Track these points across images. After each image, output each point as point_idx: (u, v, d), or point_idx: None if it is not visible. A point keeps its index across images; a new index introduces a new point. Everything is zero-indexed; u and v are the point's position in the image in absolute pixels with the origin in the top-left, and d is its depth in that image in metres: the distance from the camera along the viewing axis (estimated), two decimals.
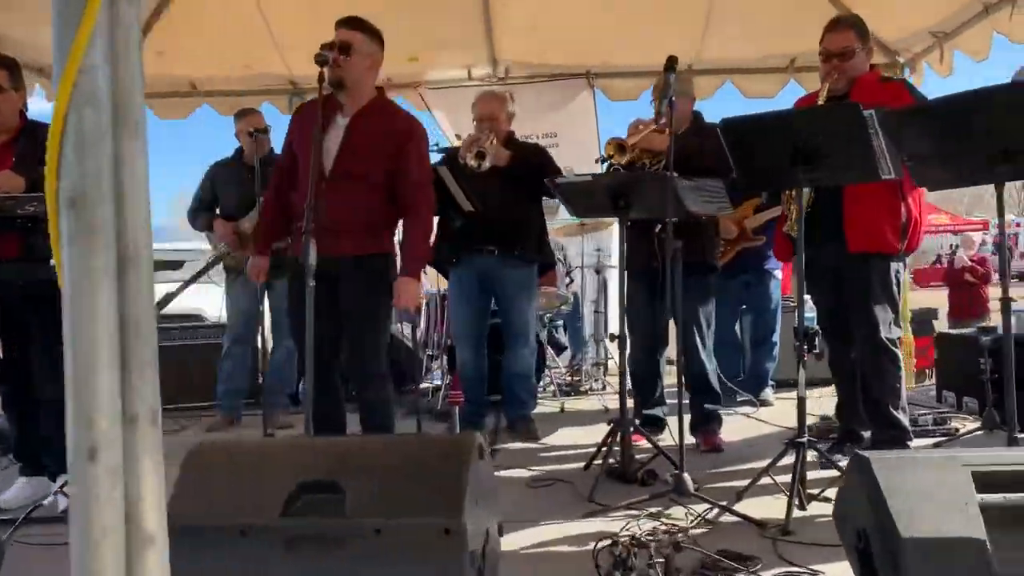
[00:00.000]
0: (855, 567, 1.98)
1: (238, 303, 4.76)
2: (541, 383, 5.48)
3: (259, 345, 4.65)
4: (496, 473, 2.66)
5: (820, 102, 3.33)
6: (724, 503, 2.84)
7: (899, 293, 3.42)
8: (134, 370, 0.84)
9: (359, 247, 3.00)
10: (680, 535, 2.52)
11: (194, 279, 4.62)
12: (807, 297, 3.51)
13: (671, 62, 3.08)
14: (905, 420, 3.46)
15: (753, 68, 6.08)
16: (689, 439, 3.75)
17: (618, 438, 3.30)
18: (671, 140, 3.08)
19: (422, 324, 5.29)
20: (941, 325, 7.93)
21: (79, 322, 0.82)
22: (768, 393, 5.07)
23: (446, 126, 6.42)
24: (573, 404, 5.23)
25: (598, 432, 3.72)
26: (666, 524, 2.67)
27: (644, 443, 3.57)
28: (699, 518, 2.73)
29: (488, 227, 4.01)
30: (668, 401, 4.15)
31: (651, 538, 2.44)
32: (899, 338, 3.47)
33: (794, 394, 2.90)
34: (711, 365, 3.98)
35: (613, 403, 4.82)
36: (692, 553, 2.37)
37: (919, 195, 3.41)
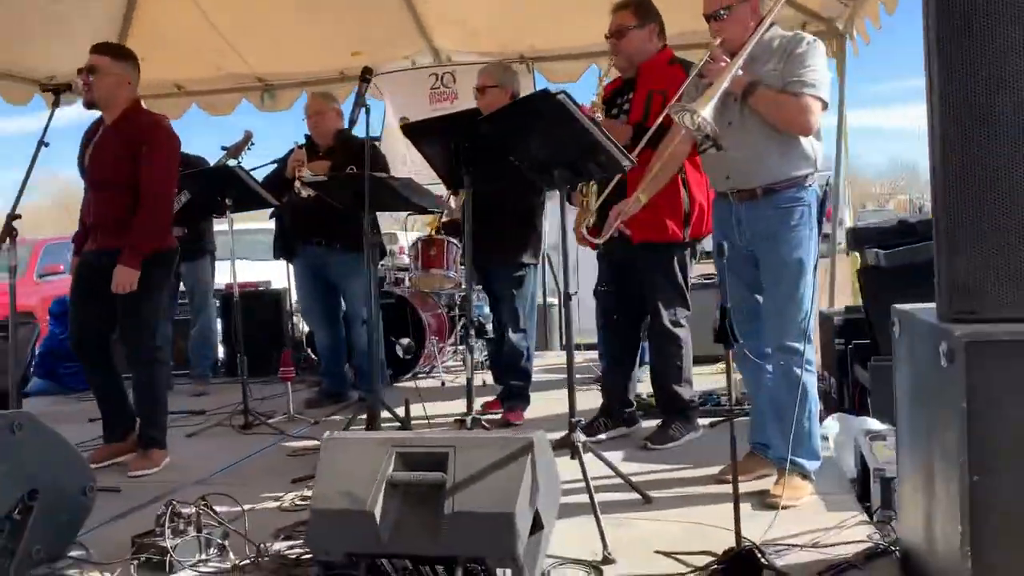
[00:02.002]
0: None
1: None
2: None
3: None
4: None
5: (602, 87, 3.49)
6: None
7: (687, 278, 3.56)
8: None
9: (116, 243, 3.45)
10: None
11: None
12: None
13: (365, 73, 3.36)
14: (686, 393, 3.64)
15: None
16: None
17: None
18: None
19: None
20: None
21: None
22: None
23: (391, 113, 6.80)
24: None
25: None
26: None
27: None
28: None
29: (316, 222, 4.40)
30: None
31: None
32: (686, 318, 3.57)
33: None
34: (524, 345, 4.22)
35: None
36: None
37: (705, 182, 3.43)
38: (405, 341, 5.24)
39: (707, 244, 3.94)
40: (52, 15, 5.93)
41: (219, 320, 6.09)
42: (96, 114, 3.62)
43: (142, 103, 3.73)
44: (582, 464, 2.61)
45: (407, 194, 3.47)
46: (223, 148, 4.96)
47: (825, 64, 2.83)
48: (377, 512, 2.07)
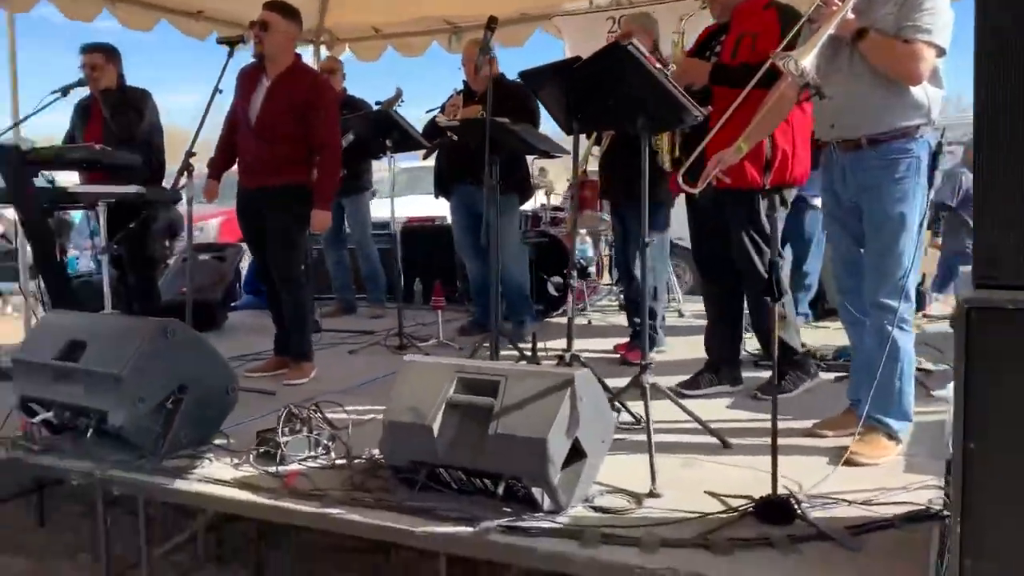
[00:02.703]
0: None
1: None
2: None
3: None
4: None
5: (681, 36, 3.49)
6: None
7: (774, 226, 3.49)
8: None
9: (271, 182, 3.94)
10: None
11: None
12: None
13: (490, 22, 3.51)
14: (792, 342, 3.60)
15: None
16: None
17: None
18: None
19: None
20: None
21: None
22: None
23: (568, 54, 6.90)
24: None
25: None
26: None
27: None
28: None
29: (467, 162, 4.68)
30: None
31: None
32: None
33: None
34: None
35: None
36: None
37: (792, 128, 3.35)
38: (556, 279, 5.46)
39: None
40: None
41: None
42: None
43: (300, 58, 4.13)
44: (646, 405, 2.73)
45: (530, 139, 3.64)
46: (377, 103, 5.35)
47: (947, 6, 2.64)
48: (436, 428, 2.35)
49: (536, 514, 2.24)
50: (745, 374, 3.77)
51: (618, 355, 4.34)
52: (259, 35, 3.89)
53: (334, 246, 6.10)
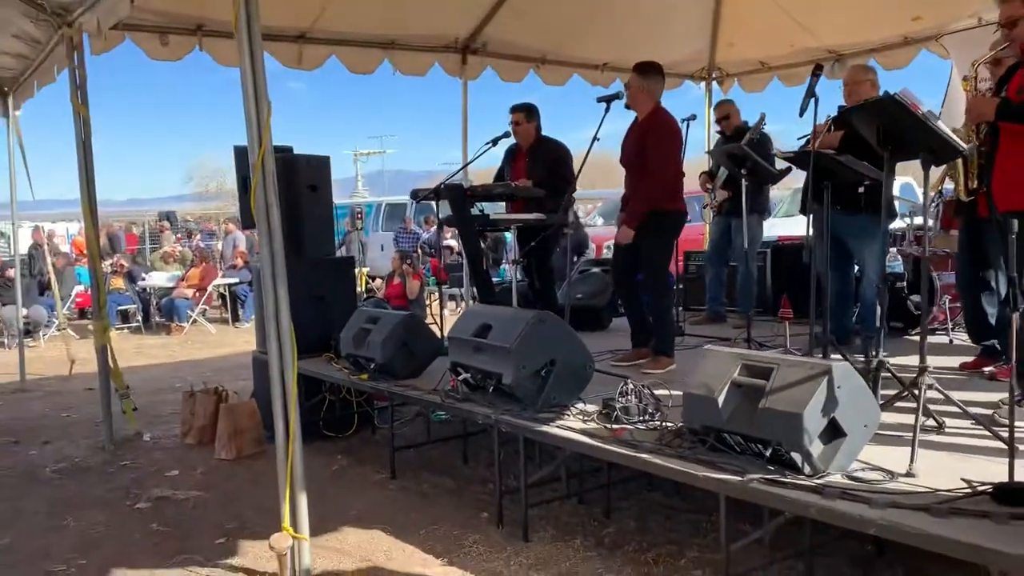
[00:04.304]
0: None
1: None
2: None
3: None
4: None
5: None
6: None
7: None
8: None
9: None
10: None
11: None
12: None
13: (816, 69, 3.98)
14: None
15: None
16: None
17: None
18: None
19: None
20: None
21: None
22: None
23: (956, 73, 6.82)
24: None
25: None
26: None
27: None
28: None
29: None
30: None
31: None
32: None
33: None
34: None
35: None
36: None
37: None
38: (915, 298, 5.59)
39: None
40: (655, 15, 7.56)
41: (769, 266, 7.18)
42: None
43: (659, 105, 4.98)
44: (917, 401, 3.08)
45: (853, 167, 4.04)
46: (744, 124, 5.96)
47: None
48: (720, 400, 3.04)
49: (794, 474, 2.81)
50: None
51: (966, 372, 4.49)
52: (629, 93, 4.87)
53: (714, 263, 6.87)
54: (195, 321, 12.74)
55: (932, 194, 5.59)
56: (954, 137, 2.98)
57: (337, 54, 6.73)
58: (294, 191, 5.66)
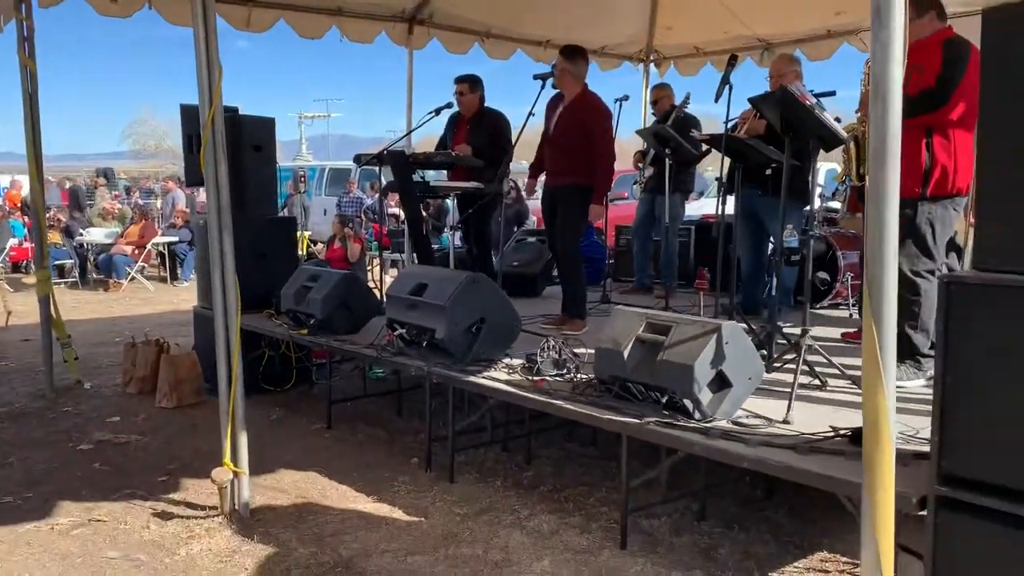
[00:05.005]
0: None
1: None
2: None
3: None
4: None
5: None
6: None
7: (933, 232, 3.93)
8: None
9: (562, 182, 5.18)
10: None
11: None
12: None
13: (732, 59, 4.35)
14: (916, 339, 3.94)
15: None
16: None
17: None
18: None
19: None
20: None
21: None
22: None
23: None
24: None
25: None
26: None
27: None
28: None
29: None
30: None
31: None
32: (931, 271, 3.95)
33: None
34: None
35: None
36: None
37: (953, 142, 3.79)
38: (821, 274, 6.06)
39: None
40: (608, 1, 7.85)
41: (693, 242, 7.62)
42: None
43: (587, 87, 5.30)
44: (797, 359, 3.50)
45: (764, 151, 4.44)
46: (674, 106, 6.33)
47: None
48: (626, 353, 3.40)
49: (686, 419, 3.19)
50: None
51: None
52: (557, 74, 5.18)
53: (640, 237, 7.27)
54: (133, 278, 12.72)
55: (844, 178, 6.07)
56: (837, 126, 3.37)
57: (286, 18, 6.86)
58: (239, 151, 5.82)
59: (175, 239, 13.46)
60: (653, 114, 7.33)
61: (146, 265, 13.54)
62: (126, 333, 7.71)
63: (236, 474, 3.69)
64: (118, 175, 31.18)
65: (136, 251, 12.99)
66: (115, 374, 6.47)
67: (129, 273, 12.66)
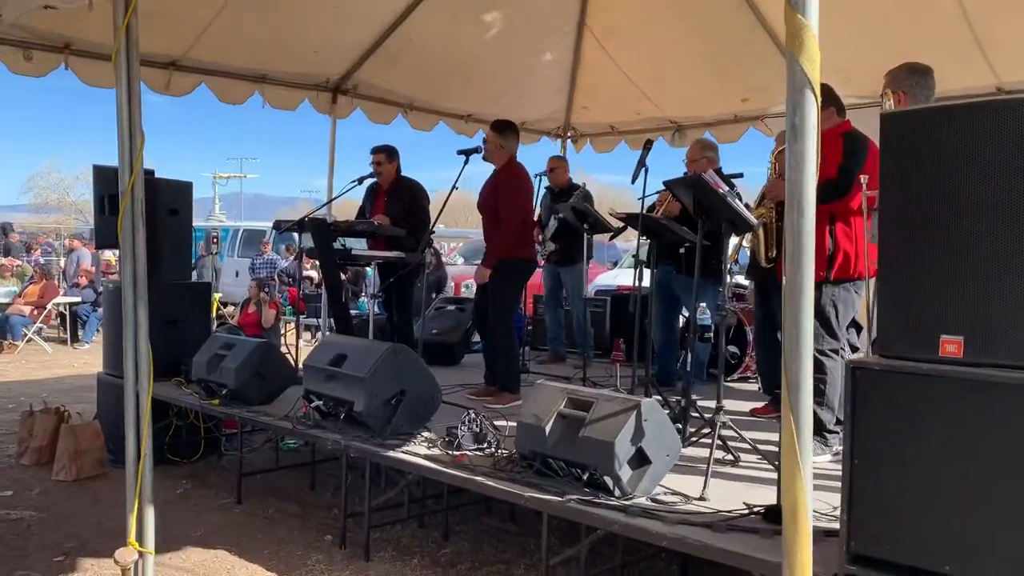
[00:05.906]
0: None
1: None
2: None
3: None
4: None
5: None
6: None
7: (837, 313, 4.14)
8: None
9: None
10: None
11: None
12: None
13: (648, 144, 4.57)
14: (822, 415, 4.07)
15: None
16: None
17: None
18: None
19: None
20: None
21: None
22: None
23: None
24: None
25: None
26: None
27: None
28: None
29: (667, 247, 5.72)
30: None
31: None
32: (836, 350, 4.16)
33: None
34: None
35: None
36: None
37: (853, 229, 4.04)
38: (730, 348, 6.26)
39: None
40: (517, 76, 8.10)
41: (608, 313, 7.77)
42: None
43: (513, 159, 5.44)
44: (713, 436, 3.61)
45: (680, 232, 4.63)
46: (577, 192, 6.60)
47: None
48: (547, 429, 3.43)
49: (606, 496, 3.23)
50: None
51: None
52: (487, 148, 5.30)
53: (551, 307, 7.37)
54: (30, 340, 12.12)
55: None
56: (747, 213, 3.56)
57: (207, 83, 6.81)
58: (155, 215, 5.69)
59: (78, 299, 12.93)
60: (546, 185, 7.43)
61: (45, 326, 12.94)
62: (22, 400, 7.32)
63: (142, 554, 3.52)
64: (16, 229, 29.90)
65: (35, 311, 12.42)
66: (8, 443, 6.12)
67: (26, 334, 12.07)
